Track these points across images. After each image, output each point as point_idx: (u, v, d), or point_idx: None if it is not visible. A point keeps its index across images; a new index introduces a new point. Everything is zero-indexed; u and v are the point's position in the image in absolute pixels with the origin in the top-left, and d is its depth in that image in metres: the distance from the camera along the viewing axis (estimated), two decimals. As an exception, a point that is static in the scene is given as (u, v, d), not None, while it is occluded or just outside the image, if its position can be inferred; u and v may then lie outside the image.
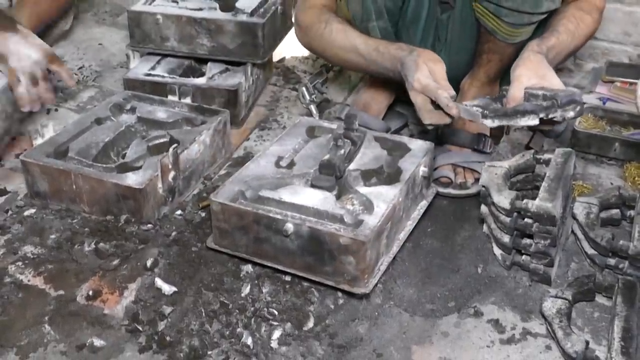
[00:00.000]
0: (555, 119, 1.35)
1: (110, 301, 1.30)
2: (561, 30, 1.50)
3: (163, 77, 1.94)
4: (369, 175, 1.43)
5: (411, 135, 1.88)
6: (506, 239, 1.37)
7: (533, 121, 1.33)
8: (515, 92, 1.38)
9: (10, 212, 1.54)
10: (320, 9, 1.68)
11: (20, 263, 1.38)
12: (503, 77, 1.73)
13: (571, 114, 1.34)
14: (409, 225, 1.44)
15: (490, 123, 1.35)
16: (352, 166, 1.45)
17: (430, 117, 1.42)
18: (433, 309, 1.31)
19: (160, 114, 1.74)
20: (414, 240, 1.49)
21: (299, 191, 1.35)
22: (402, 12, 1.69)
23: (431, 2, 1.69)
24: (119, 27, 2.59)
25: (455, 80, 1.81)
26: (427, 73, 1.41)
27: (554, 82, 1.38)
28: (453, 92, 1.39)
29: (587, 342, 1.17)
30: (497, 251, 1.42)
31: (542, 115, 1.33)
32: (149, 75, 1.95)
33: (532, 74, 1.38)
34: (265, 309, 1.27)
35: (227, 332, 1.23)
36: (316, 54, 1.72)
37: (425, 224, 1.54)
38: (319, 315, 1.28)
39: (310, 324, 1.26)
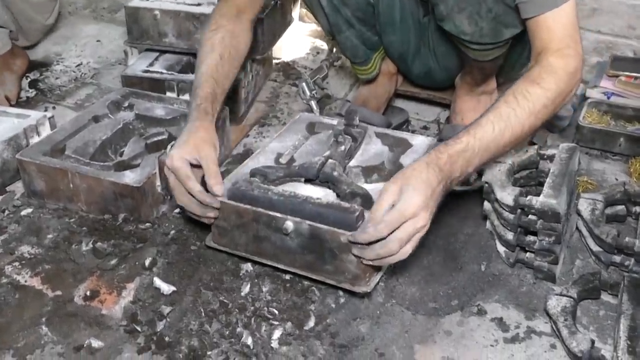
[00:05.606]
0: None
1: (108, 301, 1.28)
2: (483, 122, 1.21)
3: (161, 73, 1.93)
4: (370, 172, 1.41)
5: (413, 131, 1.86)
6: (510, 236, 1.35)
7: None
8: (375, 208, 1.17)
9: (6, 212, 1.53)
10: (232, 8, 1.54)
11: (17, 263, 1.37)
12: (499, 72, 1.70)
13: None
14: (411, 222, 1.42)
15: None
16: (353, 162, 1.43)
17: (181, 201, 1.32)
18: (436, 308, 1.29)
19: (159, 111, 1.72)
20: (416, 237, 1.47)
21: (299, 188, 1.33)
22: (375, 16, 1.66)
23: (403, 2, 1.65)
24: (116, 24, 2.57)
25: (449, 80, 1.79)
26: (188, 152, 1.31)
27: (401, 208, 1.13)
28: (220, 182, 1.30)
29: (593, 341, 1.15)
30: (501, 248, 1.40)
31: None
32: (147, 71, 1.94)
33: (396, 189, 1.15)
34: (266, 309, 1.25)
35: (227, 332, 1.21)
36: None
37: (427, 221, 1.52)
38: (319, 314, 1.26)
39: (311, 323, 1.24)
